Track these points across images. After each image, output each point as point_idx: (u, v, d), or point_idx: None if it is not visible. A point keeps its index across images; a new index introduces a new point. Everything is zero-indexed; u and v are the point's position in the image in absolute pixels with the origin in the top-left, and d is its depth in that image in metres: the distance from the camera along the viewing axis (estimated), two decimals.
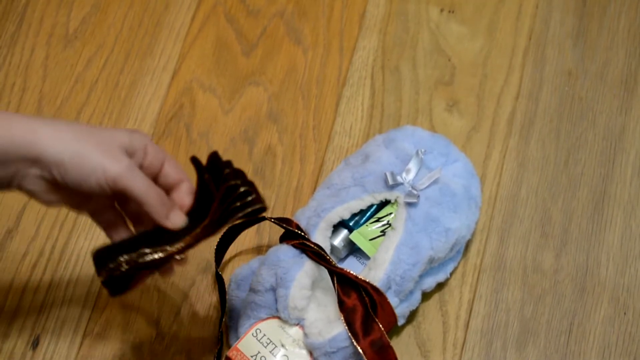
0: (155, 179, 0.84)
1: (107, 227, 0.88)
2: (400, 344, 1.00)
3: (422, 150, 1.01)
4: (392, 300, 0.96)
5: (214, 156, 0.87)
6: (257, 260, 1.01)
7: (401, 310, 0.98)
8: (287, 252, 0.96)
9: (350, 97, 1.11)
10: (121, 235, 0.87)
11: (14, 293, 1.01)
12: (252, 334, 0.95)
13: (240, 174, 0.84)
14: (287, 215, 1.05)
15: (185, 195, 0.85)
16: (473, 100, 1.11)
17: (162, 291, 1.02)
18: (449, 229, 0.99)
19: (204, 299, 1.02)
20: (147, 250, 0.82)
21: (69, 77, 1.12)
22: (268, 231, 1.05)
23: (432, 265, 1.00)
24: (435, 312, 1.02)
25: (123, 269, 0.82)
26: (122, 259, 0.81)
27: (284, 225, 0.97)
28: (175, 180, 0.85)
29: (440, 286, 1.02)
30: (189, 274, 1.02)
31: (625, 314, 1.02)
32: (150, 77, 1.12)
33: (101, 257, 0.83)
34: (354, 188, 1.00)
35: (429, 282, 1.00)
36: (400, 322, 0.98)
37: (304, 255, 0.96)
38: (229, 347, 0.98)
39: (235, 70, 1.13)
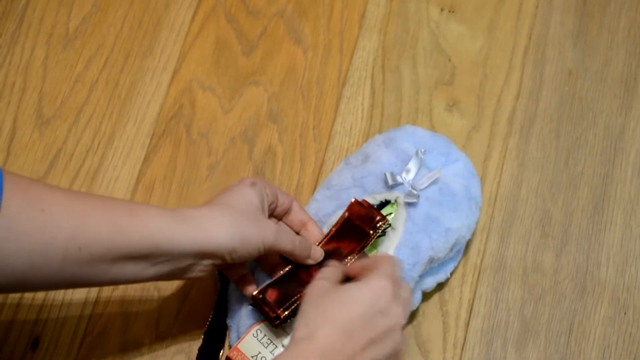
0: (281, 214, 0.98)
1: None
2: None
3: (422, 150, 1.01)
4: None
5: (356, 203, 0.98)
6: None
7: None
8: None
9: (351, 97, 1.11)
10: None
11: (13, 293, 1.01)
12: (253, 335, 0.95)
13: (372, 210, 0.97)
14: None
15: (316, 231, 0.98)
16: (473, 100, 1.11)
17: (162, 291, 1.02)
18: (449, 229, 0.99)
19: (204, 299, 1.02)
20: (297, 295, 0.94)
21: (69, 77, 1.12)
22: None
23: (432, 265, 1.00)
24: (436, 311, 1.02)
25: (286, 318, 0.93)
26: (285, 313, 0.93)
27: None
28: (303, 221, 0.98)
29: (440, 286, 1.02)
30: None
31: (625, 314, 1.02)
32: (150, 77, 1.12)
33: (258, 305, 0.94)
34: (354, 189, 1.00)
35: (429, 282, 1.00)
36: None
37: None
38: (230, 347, 0.98)
39: (235, 70, 1.13)
